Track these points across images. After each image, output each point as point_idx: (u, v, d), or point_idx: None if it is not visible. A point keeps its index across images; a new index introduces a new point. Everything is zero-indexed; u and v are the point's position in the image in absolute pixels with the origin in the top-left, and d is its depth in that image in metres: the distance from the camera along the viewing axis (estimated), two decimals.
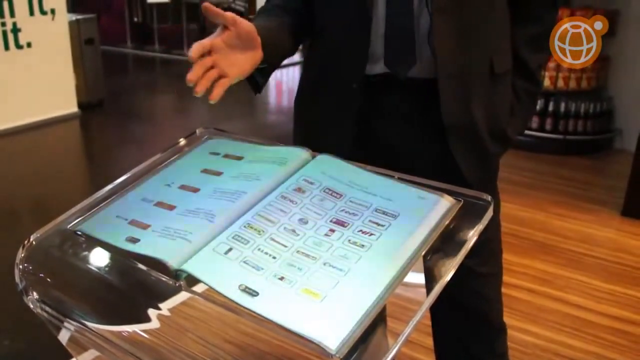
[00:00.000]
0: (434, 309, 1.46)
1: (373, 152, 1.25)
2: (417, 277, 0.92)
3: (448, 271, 0.88)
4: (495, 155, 1.35)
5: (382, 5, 1.21)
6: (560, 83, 4.49)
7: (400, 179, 1.03)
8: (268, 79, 1.27)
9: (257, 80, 1.25)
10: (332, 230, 0.92)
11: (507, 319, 1.52)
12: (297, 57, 9.14)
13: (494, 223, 1.41)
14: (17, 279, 0.95)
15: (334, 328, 0.75)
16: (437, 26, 1.18)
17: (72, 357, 2.07)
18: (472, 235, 0.92)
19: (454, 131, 1.24)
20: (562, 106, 4.51)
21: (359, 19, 1.22)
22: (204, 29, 10.03)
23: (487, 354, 1.47)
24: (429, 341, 2.23)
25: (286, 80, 7.94)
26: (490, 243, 1.41)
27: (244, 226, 0.93)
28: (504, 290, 1.49)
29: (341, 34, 1.27)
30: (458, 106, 1.23)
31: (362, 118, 1.28)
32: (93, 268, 1.02)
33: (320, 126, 1.34)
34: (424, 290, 0.87)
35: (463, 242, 0.91)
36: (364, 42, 1.22)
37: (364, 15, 1.21)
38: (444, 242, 0.92)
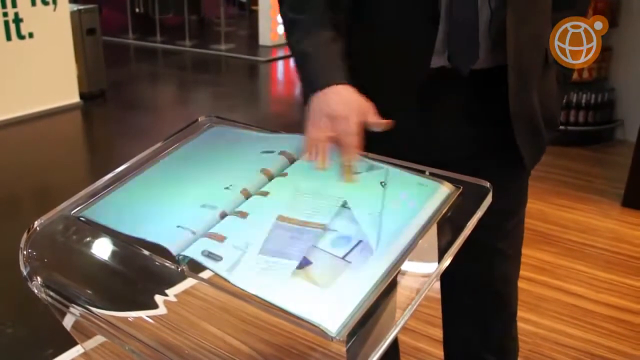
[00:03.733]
0: (454, 296, 1.46)
1: (428, 146, 1.24)
2: (419, 266, 0.93)
3: (446, 258, 0.89)
4: (548, 141, 1.36)
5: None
6: None
7: (401, 167, 1.04)
8: None
9: None
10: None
11: None
12: None
13: (525, 207, 1.43)
14: (21, 264, 0.96)
15: (334, 311, 0.77)
16: (509, 18, 1.16)
17: (74, 345, 2.08)
18: (470, 222, 0.93)
19: (519, 120, 1.24)
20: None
21: (426, 12, 1.18)
22: (203, 21, 10.03)
23: (504, 336, 1.49)
24: (432, 330, 2.25)
25: (287, 70, 7.93)
26: (521, 225, 1.43)
27: (246, 212, 0.94)
28: None
29: (404, 29, 1.22)
30: (522, 96, 1.23)
31: (420, 111, 1.25)
32: (97, 254, 1.03)
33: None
34: (425, 279, 0.88)
35: (462, 228, 0.92)
36: (430, 36, 1.19)
37: (431, 8, 1.17)
38: (444, 228, 0.93)
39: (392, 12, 1.23)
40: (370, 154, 1.08)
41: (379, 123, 1.06)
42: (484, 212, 0.97)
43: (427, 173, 1.04)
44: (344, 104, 1.07)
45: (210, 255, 0.87)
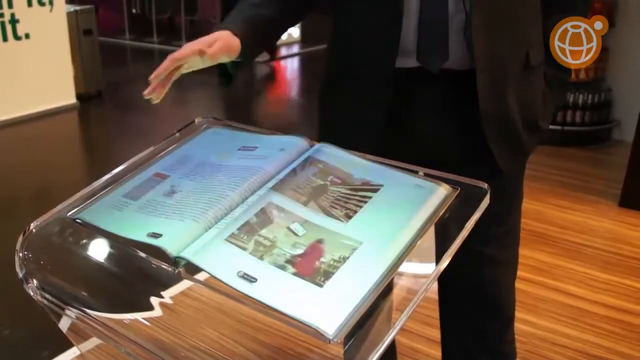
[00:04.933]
0: (448, 298, 1.45)
1: (403, 146, 1.24)
2: (416, 267, 0.93)
3: (444, 260, 0.89)
4: (529, 146, 1.34)
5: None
6: None
7: (398, 168, 1.04)
8: (238, 70, 1.27)
9: (229, 73, 1.25)
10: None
11: None
12: (295, 48, 9.12)
13: (518, 213, 1.42)
14: (17, 267, 0.95)
15: (331, 313, 0.76)
16: (475, 20, 1.16)
17: (71, 346, 2.08)
18: (468, 224, 0.93)
19: (490, 122, 1.23)
20: None
21: (390, 12, 1.19)
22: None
23: (500, 340, 1.48)
24: (429, 331, 2.25)
25: (284, 71, 7.93)
26: (513, 231, 1.41)
27: (243, 214, 0.94)
28: None
29: (370, 27, 1.24)
30: (494, 98, 1.22)
31: (392, 111, 1.26)
32: (93, 256, 1.03)
33: (349, 122, 1.32)
34: (422, 280, 0.88)
35: (459, 230, 0.92)
36: (394, 36, 1.20)
37: (395, 9, 1.18)
38: (441, 230, 0.93)
39: (359, 12, 1.25)
40: (367, 155, 1.07)
41: (205, 51, 1.09)
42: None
43: (420, 173, 1.03)
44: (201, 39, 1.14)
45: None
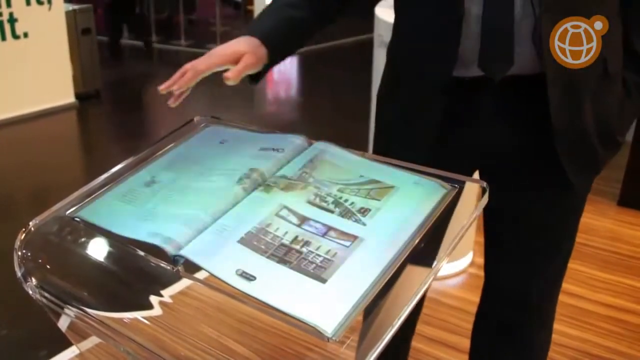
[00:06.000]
0: (489, 303, 1.43)
1: (458, 154, 1.20)
2: (416, 266, 0.92)
3: (443, 258, 0.88)
4: (603, 160, 1.23)
5: (478, 3, 1.10)
6: None
7: (397, 166, 1.04)
8: (267, 72, 1.21)
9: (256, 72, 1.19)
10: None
11: None
12: None
13: (568, 226, 1.34)
14: (16, 266, 0.95)
15: (330, 312, 0.76)
16: (546, 25, 1.06)
17: (70, 345, 2.07)
18: (467, 222, 0.93)
19: (563, 136, 1.14)
20: None
21: (449, 17, 1.11)
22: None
23: (531, 349, 1.46)
24: (429, 331, 2.25)
25: (284, 70, 7.93)
26: (571, 244, 1.35)
27: (242, 212, 0.94)
28: None
29: (427, 32, 1.16)
30: (567, 109, 1.13)
31: (450, 119, 1.18)
32: (92, 254, 1.03)
33: (399, 127, 1.24)
34: (422, 279, 0.87)
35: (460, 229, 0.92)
36: (452, 43, 1.12)
37: (454, 13, 1.10)
38: (440, 228, 0.93)
39: (415, 16, 1.19)
40: (366, 154, 1.07)
41: (228, 76, 1.09)
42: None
43: (421, 172, 1.03)
44: (222, 47, 1.13)
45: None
